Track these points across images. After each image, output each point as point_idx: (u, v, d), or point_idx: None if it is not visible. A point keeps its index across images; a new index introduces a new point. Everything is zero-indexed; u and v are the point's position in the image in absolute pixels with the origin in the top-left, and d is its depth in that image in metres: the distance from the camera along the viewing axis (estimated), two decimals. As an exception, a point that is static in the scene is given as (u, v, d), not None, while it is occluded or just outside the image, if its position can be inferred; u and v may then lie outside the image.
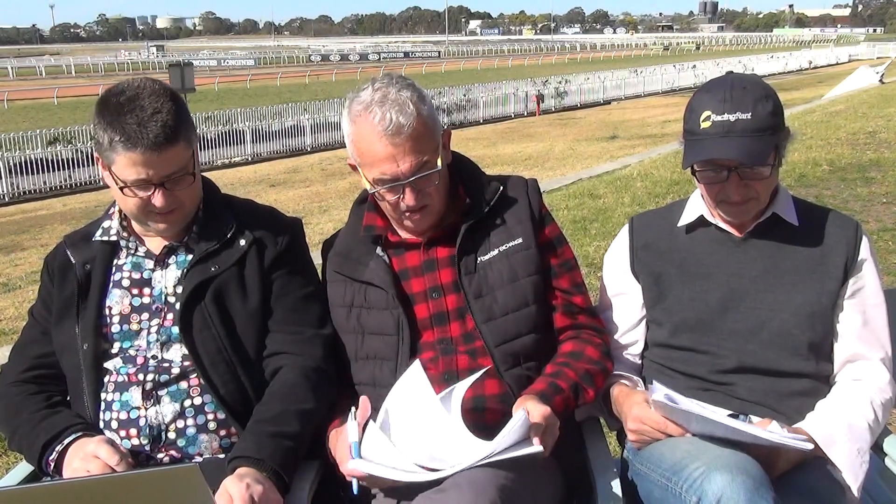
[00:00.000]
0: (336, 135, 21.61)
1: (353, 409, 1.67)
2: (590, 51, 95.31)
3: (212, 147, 19.47)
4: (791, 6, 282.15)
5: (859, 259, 1.82)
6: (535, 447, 1.55)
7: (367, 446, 1.60)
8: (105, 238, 1.87)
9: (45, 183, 16.85)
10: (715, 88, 1.77)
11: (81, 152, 17.02)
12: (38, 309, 1.93)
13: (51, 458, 1.71)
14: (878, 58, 49.86)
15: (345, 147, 1.86)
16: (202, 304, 1.80)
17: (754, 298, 1.83)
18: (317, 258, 2.00)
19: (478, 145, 18.43)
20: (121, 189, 1.74)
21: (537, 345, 1.83)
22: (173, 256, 1.86)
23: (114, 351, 1.81)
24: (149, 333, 1.81)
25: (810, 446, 1.65)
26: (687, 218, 1.93)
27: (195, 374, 1.78)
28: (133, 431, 1.76)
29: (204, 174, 1.90)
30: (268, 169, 18.42)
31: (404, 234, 1.89)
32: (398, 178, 1.73)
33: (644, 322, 1.99)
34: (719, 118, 1.72)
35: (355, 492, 1.63)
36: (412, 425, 1.61)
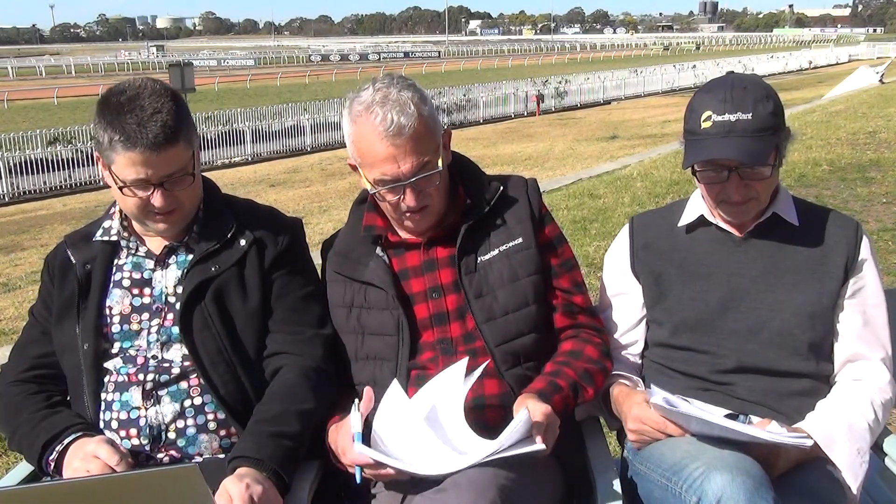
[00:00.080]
0: (336, 135, 21.62)
1: (356, 400, 1.67)
2: (590, 51, 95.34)
3: (212, 147, 19.48)
4: (791, 6, 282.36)
5: (860, 259, 1.82)
6: (538, 445, 1.55)
7: (371, 436, 1.60)
8: (105, 238, 1.87)
9: (45, 183, 16.85)
10: (715, 88, 1.77)
11: (81, 152, 17.03)
12: (38, 309, 1.93)
13: (51, 458, 1.71)
14: (878, 58, 49.85)
15: (345, 147, 1.86)
16: (202, 304, 1.80)
17: (754, 298, 1.83)
18: (317, 258, 2.00)
19: (478, 145, 18.43)
20: (120, 189, 1.74)
21: (537, 344, 1.83)
22: (174, 256, 1.86)
23: (114, 351, 1.81)
24: (149, 333, 1.81)
25: (810, 442, 1.65)
26: (687, 218, 1.93)
27: (195, 374, 1.78)
28: (133, 431, 1.76)
29: (204, 174, 1.90)
30: (268, 169, 18.42)
31: (404, 235, 1.89)
32: (399, 179, 1.73)
33: (644, 322, 1.99)
34: (720, 118, 1.72)
35: (358, 480, 1.63)
36: (405, 443, 1.60)
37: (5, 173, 16.25)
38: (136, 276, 1.85)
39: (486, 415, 1.75)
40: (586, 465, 1.85)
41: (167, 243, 1.85)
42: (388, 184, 1.75)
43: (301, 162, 19.25)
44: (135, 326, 1.82)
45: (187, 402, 1.78)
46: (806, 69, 48.44)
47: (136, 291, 1.84)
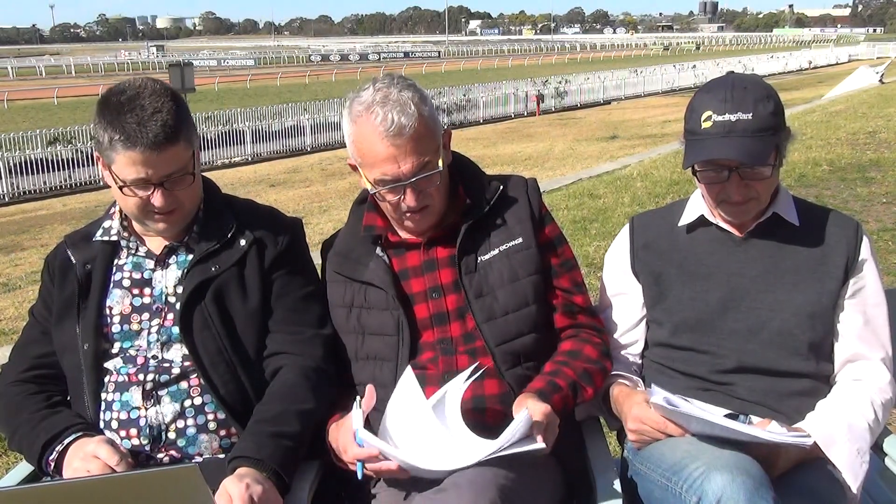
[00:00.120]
0: (336, 135, 21.62)
1: (358, 398, 1.68)
2: (590, 51, 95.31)
3: (212, 147, 19.47)
4: (791, 6, 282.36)
5: (860, 259, 1.82)
6: (538, 444, 1.56)
7: (368, 446, 1.61)
8: (105, 238, 1.87)
9: (45, 183, 16.84)
10: (716, 88, 1.77)
11: (81, 152, 17.03)
12: (38, 309, 1.93)
13: (51, 458, 1.71)
14: (877, 58, 49.85)
15: (345, 147, 1.86)
16: (202, 304, 1.80)
17: (755, 298, 1.83)
18: (317, 258, 2.00)
19: (478, 145, 18.43)
20: (121, 188, 1.74)
21: (537, 344, 1.83)
22: (174, 256, 1.86)
23: (114, 351, 1.81)
24: (149, 333, 1.81)
25: (810, 441, 1.65)
26: (687, 218, 1.93)
27: (195, 375, 1.78)
28: (133, 431, 1.76)
29: (204, 174, 1.90)
30: (268, 169, 18.42)
31: (404, 235, 1.89)
32: (399, 179, 1.73)
33: (644, 322, 1.99)
34: (720, 118, 1.72)
35: (360, 476, 1.63)
36: (412, 433, 1.61)
37: (5, 173, 16.25)
38: (137, 276, 1.85)
39: (486, 415, 1.75)
40: (586, 465, 1.85)
41: (167, 243, 1.85)
42: (389, 184, 1.75)
43: (301, 162, 19.24)
44: (135, 326, 1.82)
45: (187, 402, 1.78)
46: (806, 69, 48.44)
47: (136, 291, 1.84)
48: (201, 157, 1.90)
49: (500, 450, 1.52)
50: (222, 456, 1.76)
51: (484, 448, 1.53)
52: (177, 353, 1.79)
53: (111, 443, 1.69)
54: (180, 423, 1.77)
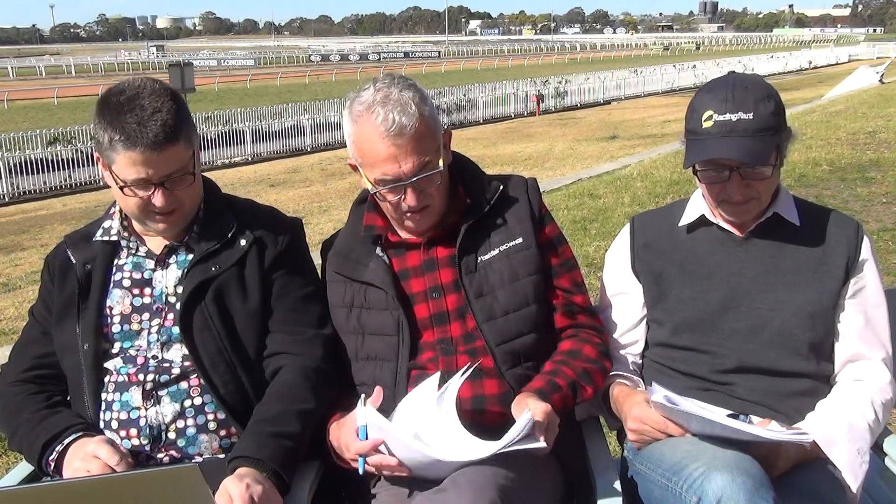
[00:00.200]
0: (336, 135, 21.62)
1: (362, 395, 1.68)
2: (590, 51, 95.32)
3: (212, 147, 19.47)
4: (791, 6, 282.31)
5: (860, 259, 1.82)
6: (540, 444, 1.56)
7: (374, 430, 1.61)
8: (106, 238, 1.87)
9: (45, 183, 16.84)
10: (717, 88, 1.77)
11: (81, 152, 17.03)
12: (38, 309, 1.93)
13: (51, 458, 1.71)
14: (877, 58, 49.86)
15: (345, 147, 1.86)
16: (202, 304, 1.79)
17: (755, 298, 1.83)
18: (317, 258, 2.00)
19: (478, 145, 18.43)
20: (121, 189, 1.74)
21: (538, 344, 1.83)
22: (174, 256, 1.86)
23: (114, 351, 1.81)
24: (149, 333, 1.80)
25: (811, 438, 1.65)
26: (688, 217, 1.93)
27: (195, 375, 1.78)
28: (133, 431, 1.76)
29: (204, 174, 1.90)
30: (268, 169, 18.42)
31: (404, 235, 1.88)
32: (400, 179, 1.73)
33: (644, 322, 1.99)
34: (721, 118, 1.72)
35: (361, 472, 1.63)
36: (417, 429, 1.62)
37: (5, 173, 16.25)
38: (137, 276, 1.85)
39: (486, 414, 1.75)
40: (586, 465, 1.85)
41: (167, 243, 1.85)
42: (389, 183, 1.75)
43: (301, 162, 19.24)
44: (135, 326, 1.82)
45: (187, 402, 1.78)
46: (806, 69, 48.45)
47: (136, 291, 1.84)
48: (201, 157, 1.90)
49: (502, 449, 1.52)
50: (222, 456, 1.76)
51: (486, 447, 1.53)
52: (177, 353, 1.79)
53: (111, 443, 1.69)
54: (180, 423, 1.77)
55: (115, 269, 1.86)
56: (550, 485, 1.77)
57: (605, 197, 8.18)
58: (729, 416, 1.76)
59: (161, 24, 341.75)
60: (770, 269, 1.84)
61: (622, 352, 2.00)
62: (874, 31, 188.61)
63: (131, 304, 1.83)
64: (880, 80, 24.33)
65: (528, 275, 1.82)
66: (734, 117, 1.71)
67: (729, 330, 1.84)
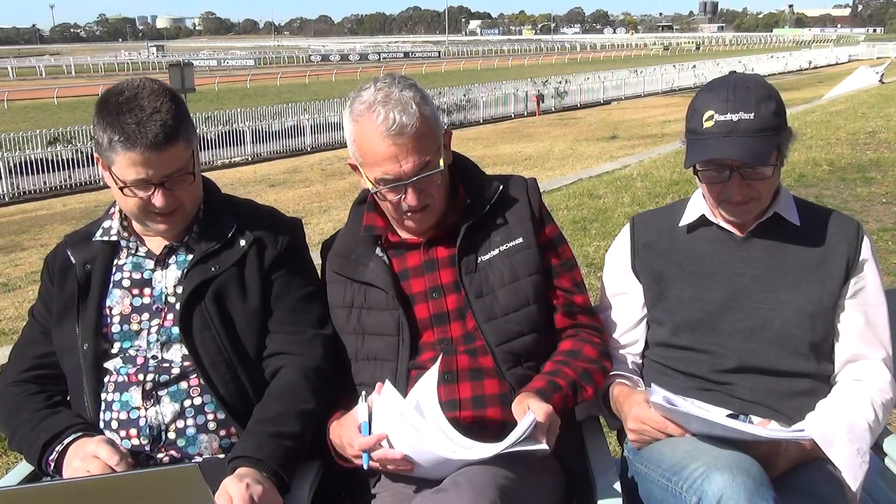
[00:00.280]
0: (336, 135, 21.63)
1: (363, 392, 1.68)
2: (590, 51, 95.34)
3: (212, 147, 19.46)
4: (791, 6, 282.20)
5: (861, 259, 1.82)
6: (541, 445, 1.56)
7: (378, 424, 1.61)
8: (105, 238, 1.87)
9: (45, 183, 16.85)
10: (718, 88, 1.77)
11: (81, 152, 17.04)
12: (38, 309, 1.93)
13: (51, 458, 1.71)
14: (877, 58, 49.86)
15: (345, 147, 1.86)
16: (202, 304, 1.79)
17: (755, 298, 1.83)
18: (317, 258, 2.00)
19: (478, 145, 18.43)
20: (121, 189, 1.74)
21: (538, 344, 1.83)
22: (174, 256, 1.86)
23: (114, 351, 1.81)
24: (149, 333, 1.80)
25: (809, 435, 1.66)
26: (688, 217, 1.93)
27: (195, 375, 1.78)
28: (133, 431, 1.76)
29: (204, 174, 1.90)
30: (268, 169, 18.42)
31: (404, 235, 1.88)
32: (401, 178, 1.73)
33: (645, 321, 1.99)
34: (722, 118, 1.72)
35: (365, 467, 1.63)
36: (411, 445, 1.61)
37: (5, 173, 16.26)
38: (136, 276, 1.85)
39: (486, 414, 1.75)
40: (586, 465, 1.84)
41: (167, 243, 1.85)
42: (390, 183, 1.75)
43: (301, 162, 19.24)
44: (135, 326, 1.82)
45: (187, 402, 1.78)
46: (806, 69, 48.46)
47: (136, 291, 1.84)
48: (201, 157, 1.89)
49: (504, 451, 1.52)
50: (222, 456, 1.76)
51: (488, 449, 1.53)
52: (176, 353, 1.79)
53: (111, 443, 1.69)
54: (180, 423, 1.77)
55: (114, 269, 1.86)
56: (550, 485, 1.77)
57: (605, 197, 8.18)
58: (729, 416, 1.76)
59: (161, 24, 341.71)
60: (770, 269, 1.84)
61: (622, 352, 2.00)
62: (874, 31, 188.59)
63: (131, 304, 1.83)
64: (880, 80, 24.33)
65: (529, 275, 1.82)
66: (735, 117, 1.71)
67: (729, 330, 1.84)
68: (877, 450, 1.85)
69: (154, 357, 1.79)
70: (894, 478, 1.87)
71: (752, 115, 1.71)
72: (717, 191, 1.80)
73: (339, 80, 47.25)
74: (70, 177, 17.18)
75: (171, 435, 1.77)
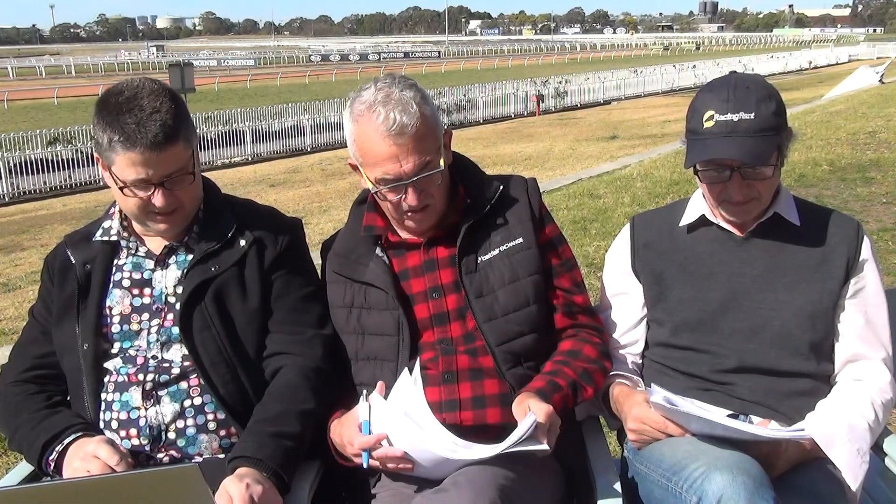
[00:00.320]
0: (336, 135, 21.63)
1: (364, 392, 1.67)
2: (590, 51, 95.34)
3: (212, 147, 19.46)
4: (791, 6, 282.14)
5: (861, 259, 1.82)
6: (542, 446, 1.56)
7: (378, 424, 1.61)
8: (105, 238, 1.87)
9: (45, 183, 16.85)
10: (718, 88, 1.77)
11: (81, 152, 17.04)
12: (38, 309, 1.93)
13: (51, 458, 1.71)
14: (877, 58, 49.85)
15: (345, 147, 1.86)
16: (202, 304, 1.79)
17: (755, 298, 1.83)
18: (317, 258, 2.00)
19: (478, 145, 18.43)
20: (121, 189, 1.74)
21: (538, 344, 1.83)
22: (174, 256, 1.86)
23: (114, 351, 1.81)
24: (149, 333, 1.80)
25: (809, 434, 1.66)
26: (688, 217, 1.93)
27: (195, 375, 1.78)
28: (133, 431, 1.76)
29: (204, 174, 1.90)
30: (268, 169, 18.42)
31: (404, 235, 1.88)
32: (401, 178, 1.73)
33: (645, 321, 1.99)
34: (722, 118, 1.72)
35: (365, 465, 1.63)
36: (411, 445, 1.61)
37: (5, 173, 16.26)
38: (136, 276, 1.85)
39: (486, 414, 1.75)
40: (586, 465, 1.84)
41: (167, 243, 1.85)
42: (390, 183, 1.75)
43: (301, 162, 19.24)
44: (135, 326, 1.82)
45: (187, 402, 1.78)
46: (806, 69, 48.46)
47: (136, 291, 1.84)
48: (201, 157, 1.89)
49: (504, 451, 1.52)
50: (222, 456, 1.76)
51: (489, 449, 1.53)
52: (176, 353, 1.79)
53: (111, 443, 1.69)
54: (180, 423, 1.77)
55: (114, 269, 1.86)
56: (550, 485, 1.77)
57: (605, 197, 8.18)
58: (729, 416, 1.76)
59: (161, 24, 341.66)
60: (770, 269, 1.84)
61: (622, 352, 2.00)
62: (874, 31, 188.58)
63: (131, 304, 1.83)
64: (880, 80, 24.33)
65: (529, 275, 1.82)
66: (735, 117, 1.71)
67: (729, 330, 1.84)
68: (877, 450, 1.85)
69: (154, 357, 1.79)
70: (894, 478, 1.87)
71: (752, 115, 1.71)
72: (717, 191, 1.80)
73: (339, 80, 47.27)
74: (70, 177, 17.19)
75: (171, 435, 1.77)
